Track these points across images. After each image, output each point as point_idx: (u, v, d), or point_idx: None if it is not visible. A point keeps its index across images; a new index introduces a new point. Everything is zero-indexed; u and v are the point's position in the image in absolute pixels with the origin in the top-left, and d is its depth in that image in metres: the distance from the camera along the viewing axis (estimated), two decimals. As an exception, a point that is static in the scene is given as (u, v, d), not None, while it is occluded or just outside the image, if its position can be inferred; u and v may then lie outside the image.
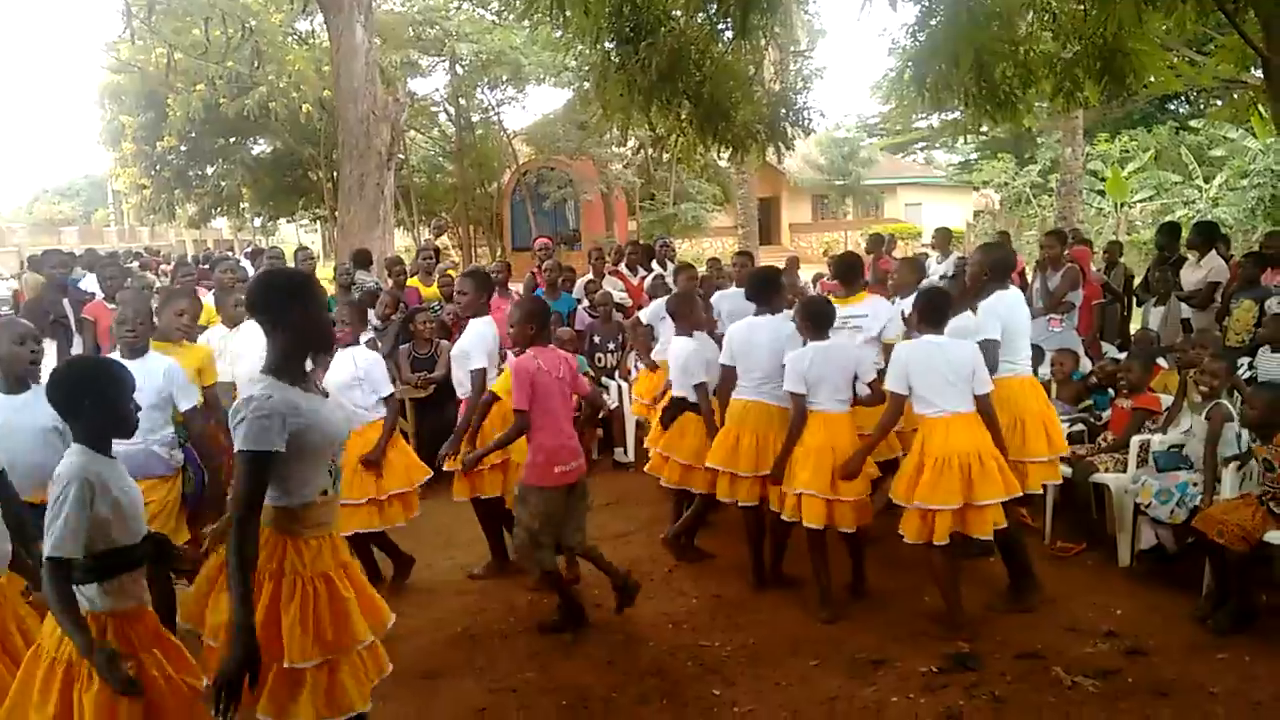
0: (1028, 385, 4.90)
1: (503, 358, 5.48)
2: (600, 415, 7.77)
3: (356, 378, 4.93)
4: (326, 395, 2.83)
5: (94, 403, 2.58)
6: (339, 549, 2.78)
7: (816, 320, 4.79)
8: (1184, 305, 7.77)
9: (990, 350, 4.53)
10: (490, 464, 5.07)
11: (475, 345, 5.16)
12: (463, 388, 5.34)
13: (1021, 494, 4.54)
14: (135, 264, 14.63)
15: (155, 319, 4.59)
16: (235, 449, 2.52)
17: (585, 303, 8.71)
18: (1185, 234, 8.73)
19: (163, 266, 17.44)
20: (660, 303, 6.91)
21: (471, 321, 5.31)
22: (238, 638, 2.38)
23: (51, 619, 2.51)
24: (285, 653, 2.54)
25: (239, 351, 5.43)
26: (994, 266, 4.88)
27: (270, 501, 2.59)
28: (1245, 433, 4.80)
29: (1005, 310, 4.78)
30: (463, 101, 24.24)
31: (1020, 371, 4.87)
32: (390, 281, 9.16)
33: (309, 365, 2.75)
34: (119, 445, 2.67)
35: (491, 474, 5.14)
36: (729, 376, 5.10)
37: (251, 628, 2.40)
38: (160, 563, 2.76)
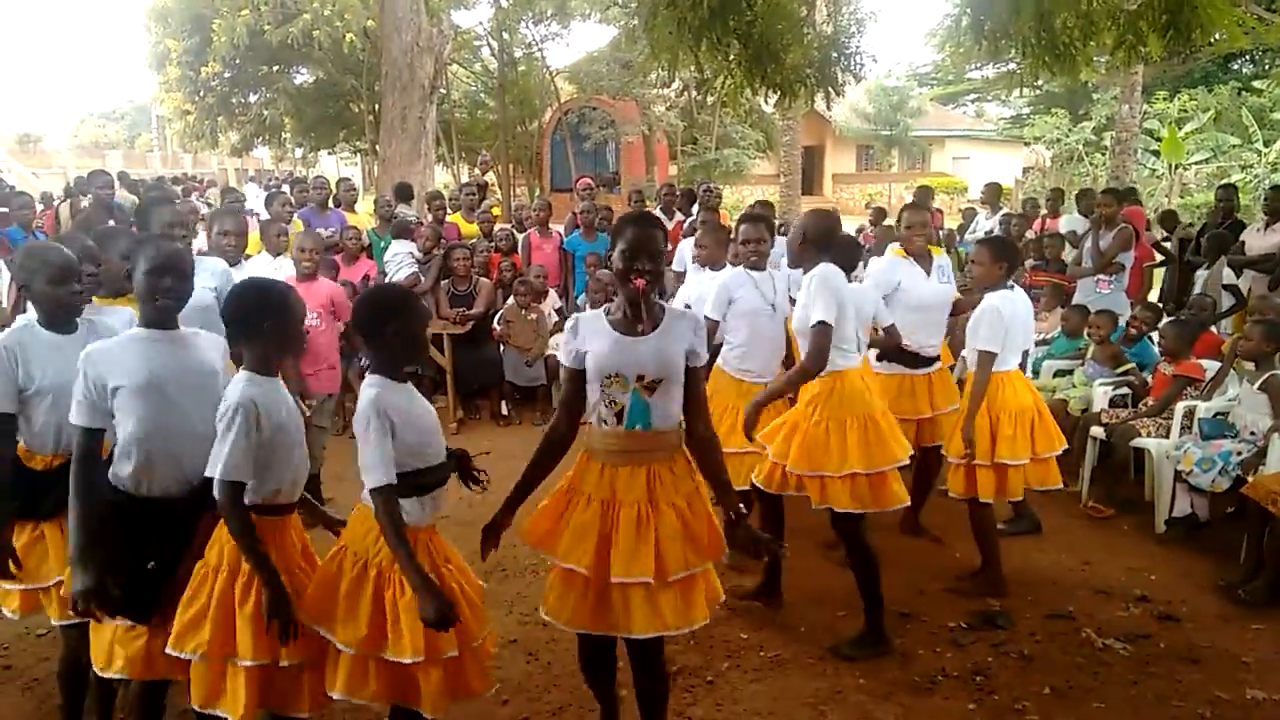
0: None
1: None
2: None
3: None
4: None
5: (396, 331, 2.61)
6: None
7: (842, 259, 4.71)
8: (1229, 270, 7.57)
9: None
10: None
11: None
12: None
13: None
14: (179, 189, 14.75)
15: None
16: None
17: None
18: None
19: (210, 191, 17.56)
20: (686, 244, 6.82)
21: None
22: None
23: (359, 520, 2.62)
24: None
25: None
26: (817, 236, 4.01)
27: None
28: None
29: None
30: (506, 36, 23.90)
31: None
32: (430, 216, 9.16)
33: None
34: None
35: None
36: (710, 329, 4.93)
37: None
38: (464, 479, 2.85)
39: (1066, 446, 4.49)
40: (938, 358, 4.90)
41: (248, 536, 2.51)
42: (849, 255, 4.92)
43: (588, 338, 2.78)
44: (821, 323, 3.76)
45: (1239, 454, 4.79)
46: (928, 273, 4.79)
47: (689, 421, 2.84)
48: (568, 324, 2.85)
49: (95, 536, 2.62)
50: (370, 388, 2.58)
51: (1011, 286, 4.36)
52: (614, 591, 2.73)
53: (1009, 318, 4.20)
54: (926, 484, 4.97)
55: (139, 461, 2.65)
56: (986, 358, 4.20)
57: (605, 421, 2.77)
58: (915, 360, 4.79)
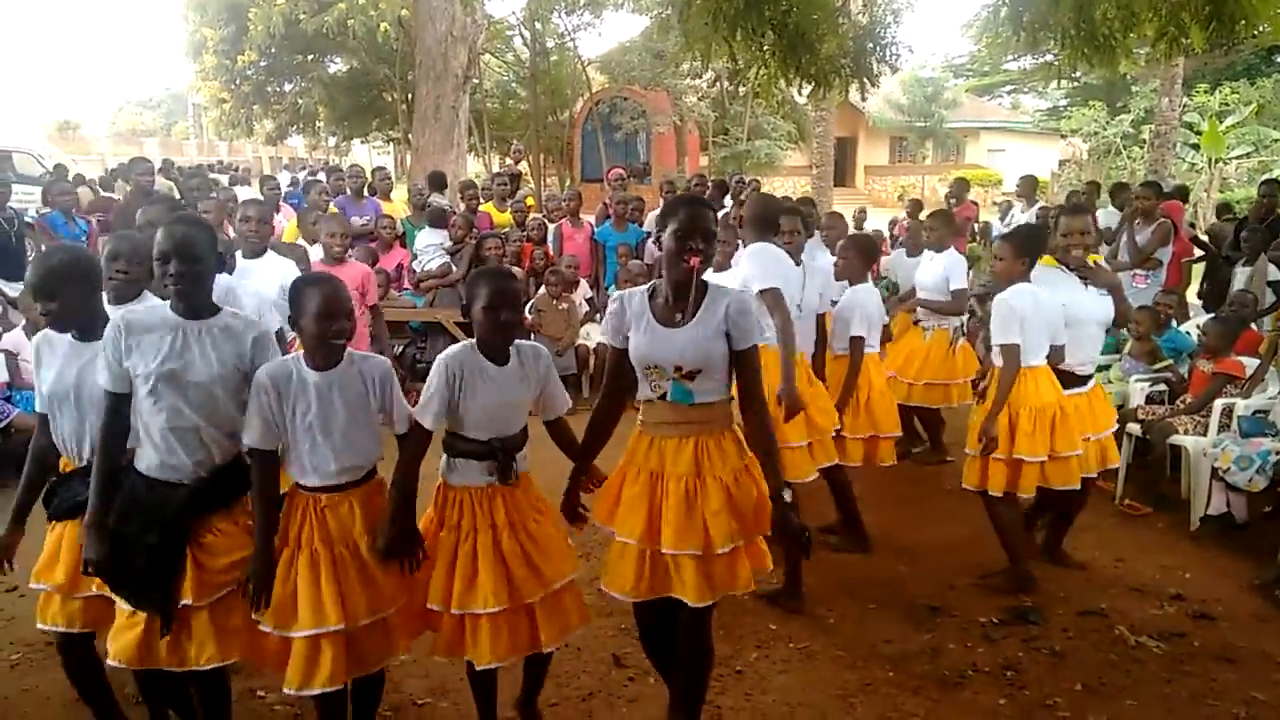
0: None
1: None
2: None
3: None
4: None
5: (483, 308, 2.80)
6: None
7: (869, 257, 4.85)
8: (1272, 266, 7.45)
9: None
10: None
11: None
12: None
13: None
14: (224, 178, 14.94)
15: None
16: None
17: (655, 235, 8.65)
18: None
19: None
20: None
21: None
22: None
23: (438, 490, 2.93)
24: None
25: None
26: (755, 216, 4.35)
27: None
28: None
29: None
30: (538, 26, 23.92)
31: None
32: (463, 205, 9.20)
33: None
34: None
35: None
36: None
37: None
38: (499, 469, 2.87)
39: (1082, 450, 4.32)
40: (1090, 376, 4.49)
41: (258, 498, 2.68)
42: (868, 251, 5.03)
43: (633, 320, 2.86)
44: (772, 289, 4.02)
45: (1278, 453, 4.72)
46: (1085, 284, 4.40)
47: (740, 401, 2.87)
48: (612, 299, 2.95)
49: (109, 504, 2.64)
50: (462, 345, 2.86)
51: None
52: (667, 560, 2.81)
53: (1025, 312, 4.12)
54: (1068, 512, 4.68)
55: (144, 442, 2.68)
56: (1004, 351, 4.13)
57: (651, 399, 2.87)
58: (1069, 380, 4.36)
